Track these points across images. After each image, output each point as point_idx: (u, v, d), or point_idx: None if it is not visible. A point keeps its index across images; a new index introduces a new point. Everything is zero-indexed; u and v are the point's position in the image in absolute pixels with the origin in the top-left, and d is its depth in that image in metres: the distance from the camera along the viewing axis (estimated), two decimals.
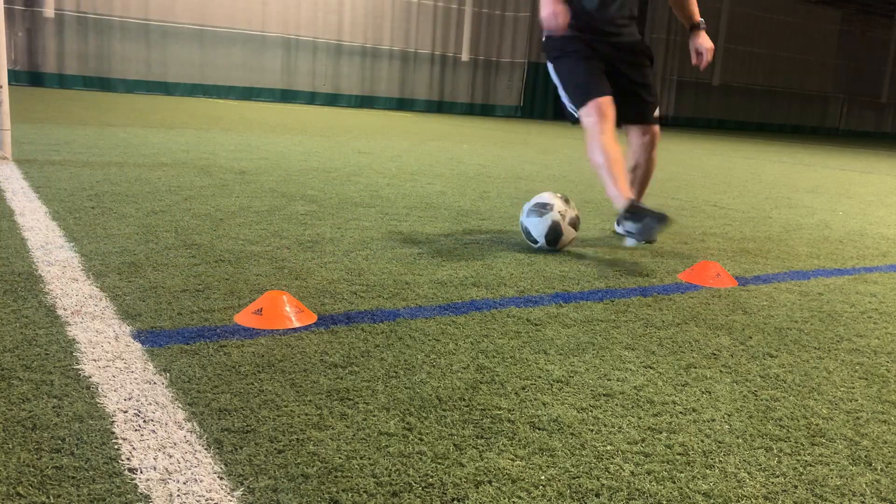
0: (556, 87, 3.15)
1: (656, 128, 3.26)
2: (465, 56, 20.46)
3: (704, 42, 3.24)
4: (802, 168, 8.94)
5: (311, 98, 18.52)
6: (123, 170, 4.27)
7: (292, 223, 3.07)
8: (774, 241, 3.56)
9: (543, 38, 3.16)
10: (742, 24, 26.07)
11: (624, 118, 3.15)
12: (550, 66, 3.17)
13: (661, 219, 2.69)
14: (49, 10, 15.12)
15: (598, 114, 2.95)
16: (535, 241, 2.91)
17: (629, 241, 3.14)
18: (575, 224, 2.92)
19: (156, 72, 16.51)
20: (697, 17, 3.27)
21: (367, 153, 6.51)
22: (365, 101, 19.20)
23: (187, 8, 16.61)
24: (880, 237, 3.92)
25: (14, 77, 14.24)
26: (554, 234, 2.87)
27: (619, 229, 2.94)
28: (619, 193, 2.86)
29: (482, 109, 21.01)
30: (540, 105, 21.87)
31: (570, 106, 3.11)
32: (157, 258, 2.34)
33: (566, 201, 2.94)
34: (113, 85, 16.06)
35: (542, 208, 2.89)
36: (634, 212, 2.76)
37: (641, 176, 3.35)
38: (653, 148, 3.28)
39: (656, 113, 3.25)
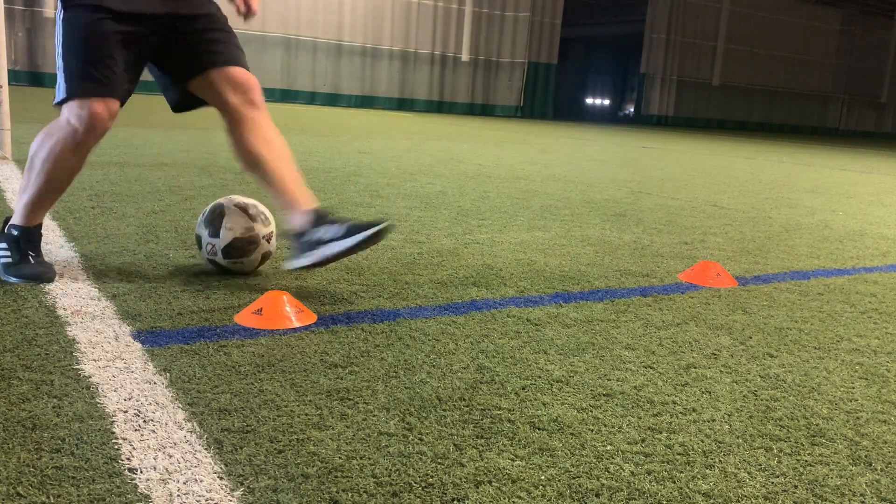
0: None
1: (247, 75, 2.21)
2: (465, 56, 20.46)
3: None
4: (802, 168, 8.94)
5: (311, 98, 18.52)
6: (123, 170, 4.27)
7: None
8: (774, 241, 3.56)
9: None
10: (742, 24, 26.07)
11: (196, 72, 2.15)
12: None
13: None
14: (49, 10, 15.11)
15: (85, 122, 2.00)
16: (198, 237, 2.21)
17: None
18: (265, 258, 2.23)
19: None
20: None
21: (367, 153, 6.51)
22: (365, 101, 19.20)
23: None
24: (880, 237, 3.92)
25: (14, 77, 14.23)
26: (214, 214, 2.18)
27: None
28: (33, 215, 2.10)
29: (482, 109, 21.01)
30: (540, 105, 21.87)
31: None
32: (157, 258, 2.34)
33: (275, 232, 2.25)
34: None
35: (256, 213, 2.23)
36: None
37: (274, 161, 2.25)
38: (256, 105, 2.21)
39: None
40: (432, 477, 1.15)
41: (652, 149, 10.61)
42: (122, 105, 2.03)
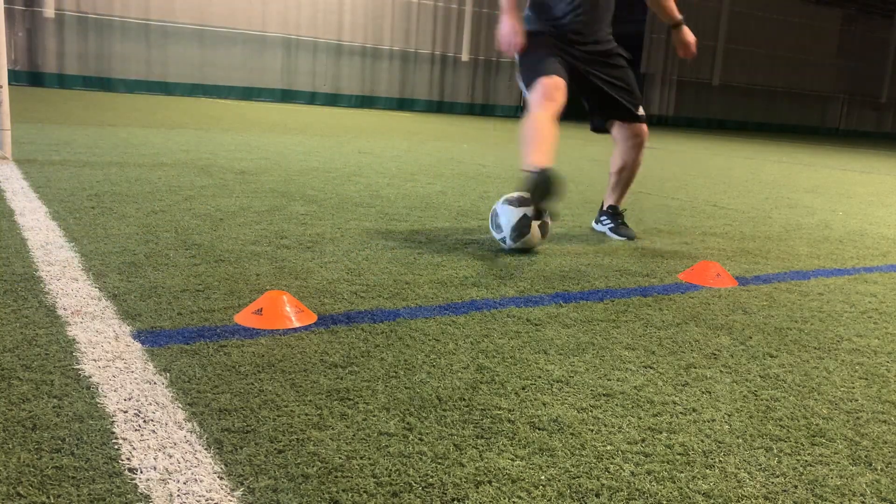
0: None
1: (643, 127, 3.30)
2: (465, 56, 20.45)
3: (688, 36, 3.35)
4: (802, 168, 8.94)
5: (312, 98, 18.52)
6: (123, 170, 4.27)
7: (292, 223, 3.07)
8: (774, 241, 3.56)
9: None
10: (742, 24, 26.07)
11: (607, 116, 3.29)
12: (518, 63, 3.22)
13: (552, 188, 2.72)
14: (49, 10, 15.12)
15: (542, 91, 2.97)
16: (500, 229, 2.82)
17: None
18: (544, 230, 2.84)
19: (156, 72, 16.51)
20: (678, 15, 3.36)
21: (367, 153, 6.51)
22: (365, 101, 19.20)
23: (187, 8, 16.61)
24: (880, 237, 3.92)
25: (14, 77, 14.23)
26: (521, 227, 2.77)
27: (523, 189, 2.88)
28: (532, 157, 2.80)
29: (482, 109, 21.01)
30: None
31: (524, 90, 3.13)
32: (157, 258, 2.34)
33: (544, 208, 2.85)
34: (113, 85, 16.06)
35: (520, 201, 2.81)
36: (540, 172, 2.73)
37: (626, 177, 3.40)
38: (640, 148, 3.33)
39: (641, 112, 3.28)
40: (432, 477, 1.15)
41: (652, 149, 10.61)
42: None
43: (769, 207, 4.82)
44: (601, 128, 3.38)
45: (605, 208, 3.47)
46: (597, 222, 3.50)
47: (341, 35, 18.61)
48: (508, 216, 2.81)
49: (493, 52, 20.85)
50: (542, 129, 2.88)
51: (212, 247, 2.54)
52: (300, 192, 3.96)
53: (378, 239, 2.89)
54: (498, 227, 2.84)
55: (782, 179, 7.10)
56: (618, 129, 3.30)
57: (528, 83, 3.06)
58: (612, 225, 3.38)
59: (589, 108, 3.35)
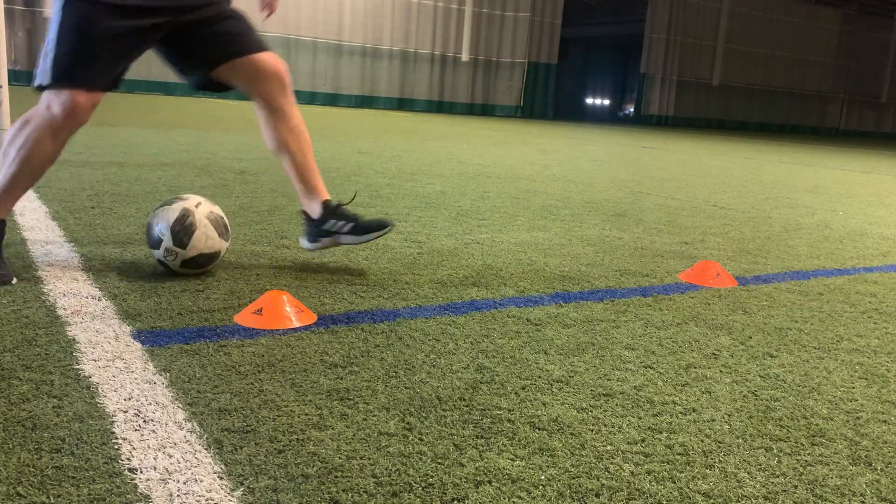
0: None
1: (273, 57, 2.26)
2: (465, 56, 20.46)
3: None
4: (802, 168, 8.94)
5: (311, 98, 18.52)
6: (123, 170, 4.27)
7: (292, 223, 3.07)
8: (774, 241, 3.56)
9: None
10: (742, 24, 26.08)
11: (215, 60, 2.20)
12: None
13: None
14: (49, 10, 15.11)
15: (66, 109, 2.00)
16: (159, 240, 2.11)
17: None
18: (218, 225, 2.17)
19: (156, 72, 16.51)
20: None
21: (367, 153, 6.51)
22: (365, 101, 19.20)
23: None
24: (880, 237, 3.92)
25: (14, 77, 14.23)
26: (182, 225, 2.09)
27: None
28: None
29: (482, 109, 21.01)
30: (540, 105, 21.87)
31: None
32: None
33: (208, 203, 2.22)
34: None
35: (173, 200, 2.20)
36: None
37: (299, 150, 2.32)
38: (288, 94, 2.29)
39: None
40: (432, 477, 1.15)
41: (652, 149, 10.62)
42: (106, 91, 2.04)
43: (769, 207, 4.82)
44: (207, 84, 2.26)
45: (316, 216, 2.37)
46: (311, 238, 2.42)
47: (341, 35, 18.61)
48: (164, 217, 2.14)
49: (494, 51, 20.85)
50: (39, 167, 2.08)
51: None
52: None
53: (378, 239, 2.88)
54: (156, 241, 2.13)
55: (782, 179, 7.10)
56: (244, 75, 2.21)
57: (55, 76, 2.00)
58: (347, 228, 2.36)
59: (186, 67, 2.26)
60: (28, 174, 2.04)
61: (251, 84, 2.22)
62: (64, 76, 1.95)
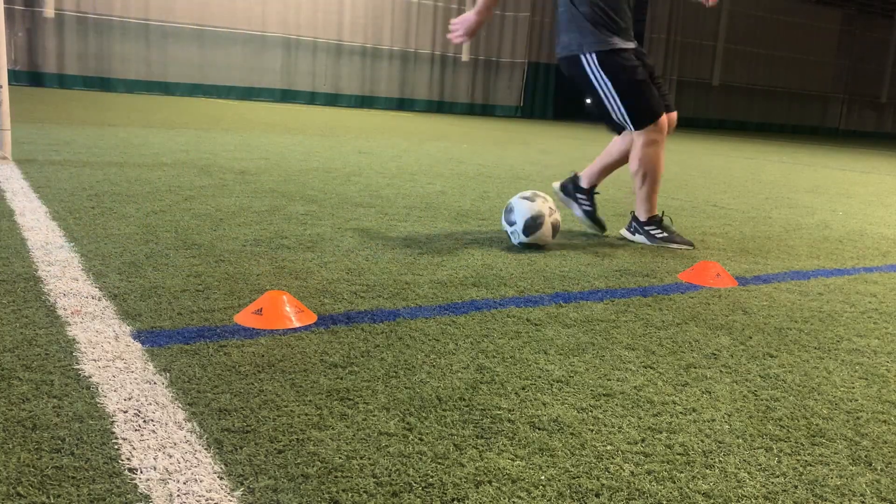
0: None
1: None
2: (465, 56, 20.45)
3: None
4: (802, 168, 8.94)
5: (311, 98, 18.52)
6: (123, 170, 4.27)
7: (292, 223, 3.07)
8: (774, 241, 3.56)
9: (597, 50, 3.05)
10: (742, 24, 26.07)
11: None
12: (606, 79, 3.08)
13: (672, 240, 3.18)
14: (49, 10, 15.11)
15: (664, 130, 3.13)
16: (512, 223, 2.91)
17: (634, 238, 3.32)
18: (556, 227, 2.96)
19: (156, 72, 16.50)
20: None
21: (367, 153, 6.51)
22: (365, 101, 19.19)
23: (187, 8, 16.60)
24: (880, 237, 3.92)
25: (14, 77, 14.24)
26: (534, 221, 2.87)
27: (631, 236, 3.28)
28: (654, 204, 3.22)
29: (482, 109, 21.00)
30: (540, 105, 21.87)
31: (627, 120, 3.13)
32: (157, 258, 2.34)
33: (556, 207, 3.01)
34: (113, 85, 16.05)
35: (535, 196, 2.96)
36: (659, 224, 3.20)
37: (615, 165, 3.44)
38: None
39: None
40: (432, 477, 1.15)
41: None
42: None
43: (769, 207, 4.82)
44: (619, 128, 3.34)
45: (584, 185, 3.45)
46: (634, 231, 3.31)
47: (341, 35, 18.61)
48: (523, 212, 2.89)
49: (494, 52, 20.85)
50: (661, 171, 3.20)
51: (212, 247, 2.54)
52: (300, 192, 3.96)
53: (378, 239, 2.89)
54: (511, 222, 2.92)
55: (782, 179, 7.10)
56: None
57: (653, 117, 3.09)
58: (663, 234, 3.23)
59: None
60: (656, 178, 3.20)
61: None
62: (652, 116, 3.11)
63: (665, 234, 3.20)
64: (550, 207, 2.93)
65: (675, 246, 3.18)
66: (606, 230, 3.38)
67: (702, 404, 1.51)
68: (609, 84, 3.07)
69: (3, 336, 1.60)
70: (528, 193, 2.98)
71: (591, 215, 3.39)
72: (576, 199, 3.43)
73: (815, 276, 2.83)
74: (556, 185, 3.53)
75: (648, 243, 3.21)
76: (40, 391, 1.35)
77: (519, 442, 1.29)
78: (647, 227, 3.22)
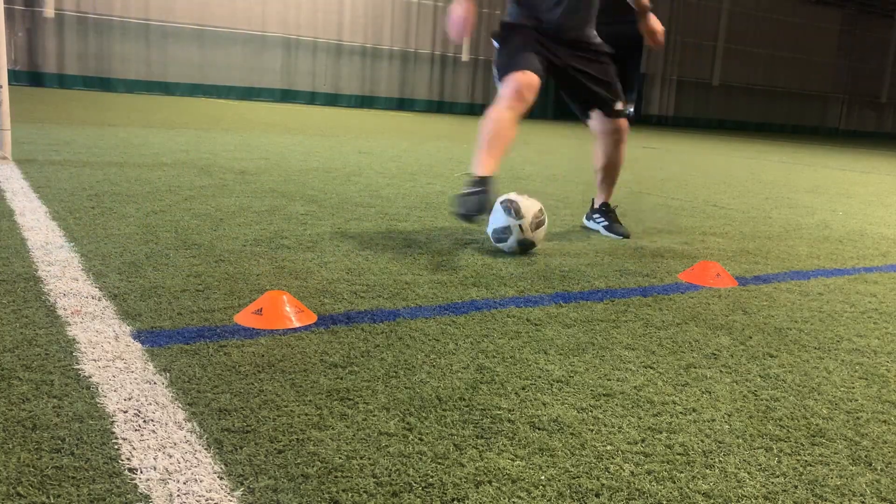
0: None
1: (622, 122, 3.31)
2: (465, 56, 20.46)
3: (655, 24, 3.38)
4: (802, 168, 8.94)
5: (311, 98, 18.52)
6: (123, 170, 4.27)
7: (292, 223, 3.07)
8: (774, 241, 3.56)
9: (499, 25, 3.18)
10: (742, 24, 26.07)
11: (586, 109, 3.30)
12: (496, 52, 3.18)
13: (481, 208, 2.64)
14: (49, 10, 15.12)
15: (514, 87, 2.91)
16: (489, 226, 2.84)
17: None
18: (527, 242, 2.80)
19: (156, 72, 16.51)
20: (645, 2, 3.35)
21: (367, 153, 6.51)
22: (365, 101, 19.20)
23: (187, 8, 16.61)
24: (880, 237, 3.92)
25: (14, 77, 14.24)
26: (499, 235, 2.80)
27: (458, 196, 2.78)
28: (480, 163, 2.81)
29: (482, 109, 20.97)
30: (540, 105, 21.85)
31: (497, 80, 3.08)
32: (157, 258, 2.34)
33: (540, 215, 2.83)
34: (113, 85, 16.06)
35: (511, 206, 2.78)
36: (476, 185, 2.71)
37: (611, 173, 3.44)
38: (620, 144, 3.35)
39: (619, 107, 3.30)
40: (432, 477, 1.15)
41: (652, 149, 10.62)
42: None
43: (769, 207, 4.82)
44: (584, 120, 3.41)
45: (596, 206, 3.50)
46: (588, 219, 3.54)
47: (341, 35, 18.61)
48: (494, 220, 2.81)
49: (494, 51, 20.86)
50: (501, 132, 2.87)
51: (212, 247, 2.54)
52: (300, 192, 3.96)
53: (378, 239, 2.89)
54: (489, 223, 2.87)
55: (782, 179, 7.10)
56: (598, 123, 3.30)
57: (503, 74, 3.00)
58: (605, 223, 3.41)
59: (569, 101, 3.37)
60: (500, 140, 2.93)
61: None
62: (507, 69, 3.02)
63: (482, 197, 2.71)
64: (522, 225, 2.75)
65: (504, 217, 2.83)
66: (630, 236, 3.34)
67: (702, 404, 1.51)
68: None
69: (3, 336, 1.60)
70: (511, 198, 2.82)
71: (610, 229, 3.38)
72: (595, 221, 3.47)
73: (815, 276, 2.83)
74: (584, 221, 3.58)
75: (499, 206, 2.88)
76: (40, 391, 1.35)
77: (519, 442, 1.29)
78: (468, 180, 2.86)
